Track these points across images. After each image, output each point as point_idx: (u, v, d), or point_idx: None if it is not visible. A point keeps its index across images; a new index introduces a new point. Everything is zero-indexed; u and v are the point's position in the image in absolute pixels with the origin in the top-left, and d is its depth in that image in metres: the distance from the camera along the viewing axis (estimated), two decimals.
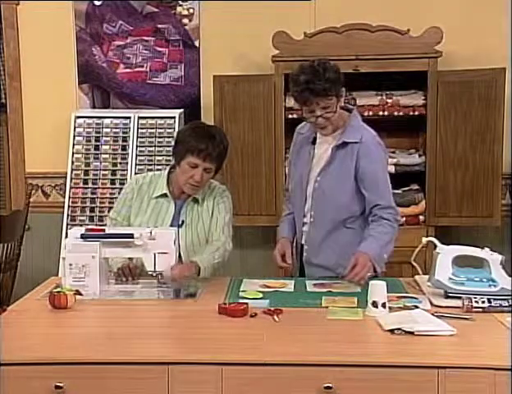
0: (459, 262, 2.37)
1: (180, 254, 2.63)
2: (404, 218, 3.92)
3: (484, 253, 2.35)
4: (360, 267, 2.44)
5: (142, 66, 4.36)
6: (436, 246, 2.40)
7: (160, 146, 4.11)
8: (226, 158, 2.71)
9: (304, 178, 2.70)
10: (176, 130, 2.70)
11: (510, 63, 4.00)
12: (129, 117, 4.19)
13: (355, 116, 2.71)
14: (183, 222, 2.69)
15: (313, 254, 2.70)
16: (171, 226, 2.67)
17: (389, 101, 3.91)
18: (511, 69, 3.96)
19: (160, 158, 4.10)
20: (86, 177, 4.17)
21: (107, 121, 4.20)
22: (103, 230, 2.54)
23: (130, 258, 2.60)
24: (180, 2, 4.29)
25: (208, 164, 2.60)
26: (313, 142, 2.71)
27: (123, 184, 3.75)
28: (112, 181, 4.12)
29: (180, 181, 2.66)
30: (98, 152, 4.17)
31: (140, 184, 2.75)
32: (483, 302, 2.21)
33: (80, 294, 2.36)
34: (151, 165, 4.09)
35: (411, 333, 2.01)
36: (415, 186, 4.01)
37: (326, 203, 2.65)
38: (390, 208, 2.61)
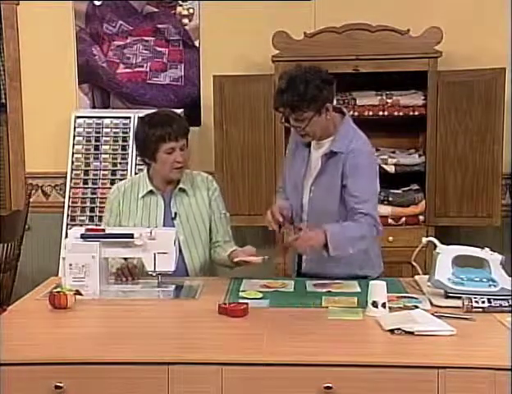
0: (459, 262, 2.37)
1: (180, 246, 2.65)
2: (404, 218, 3.93)
3: (484, 253, 2.35)
4: (307, 236, 2.41)
5: (142, 66, 4.36)
6: (436, 246, 2.40)
7: None
8: (189, 129, 2.76)
9: (298, 186, 2.65)
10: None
11: (510, 63, 4.00)
12: (129, 117, 4.19)
13: (347, 122, 2.61)
14: (176, 213, 2.72)
15: (312, 262, 2.66)
16: (165, 219, 2.69)
17: (389, 101, 3.91)
18: (511, 69, 3.96)
19: None
20: (86, 177, 4.17)
21: (107, 121, 4.20)
22: (103, 230, 2.54)
23: (125, 259, 2.61)
24: (180, 2, 4.29)
25: (181, 142, 2.66)
26: (308, 145, 2.65)
27: None
28: (112, 181, 4.11)
29: (163, 172, 2.70)
30: (98, 152, 4.17)
31: (123, 190, 2.79)
32: (483, 302, 2.20)
33: (80, 294, 2.36)
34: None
35: (411, 333, 2.01)
36: (415, 186, 4.01)
37: (320, 212, 2.59)
38: (368, 215, 2.50)
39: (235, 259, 2.60)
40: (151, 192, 2.74)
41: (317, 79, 2.45)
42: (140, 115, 4.19)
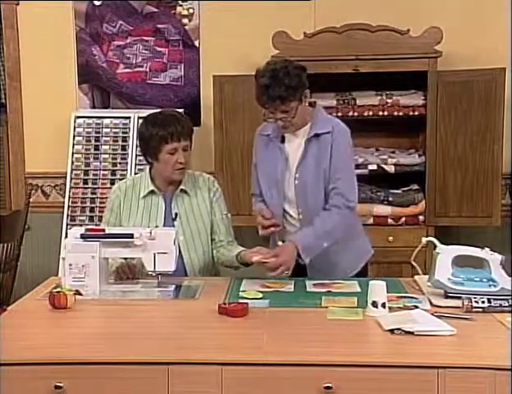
0: (459, 262, 2.37)
1: (179, 247, 2.65)
2: (404, 218, 3.93)
3: (484, 253, 2.35)
4: (281, 259, 2.49)
5: (142, 66, 4.36)
6: (435, 246, 2.40)
7: None
8: (193, 130, 2.78)
9: (279, 178, 2.68)
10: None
11: (510, 63, 4.00)
12: (129, 117, 4.19)
13: (320, 110, 2.72)
14: (176, 214, 2.71)
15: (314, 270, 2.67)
16: (165, 220, 2.69)
17: (389, 101, 3.91)
18: (511, 69, 3.96)
19: None
20: (86, 177, 4.17)
21: (106, 121, 4.20)
22: (103, 230, 2.54)
23: (125, 258, 2.61)
24: (180, 2, 4.30)
25: (184, 143, 2.67)
26: (282, 141, 2.69)
27: None
28: (112, 181, 4.11)
29: (165, 173, 2.70)
30: (97, 152, 4.18)
31: (124, 189, 2.78)
32: (483, 302, 2.20)
33: (80, 294, 2.36)
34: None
35: (411, 333, 2.01)
36: (415, 186, 4.01)
37: (310, 196, 2.65)
38: (343, 195, 2.61)
39: (254, 259, 2.55)
40: (152, 192, 2.74)
41: (294, 68, 2.55)
42: (141, 115, 4.21)
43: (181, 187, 2.75)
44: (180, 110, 4.14)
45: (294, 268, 2.62)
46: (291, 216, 2.72)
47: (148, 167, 2.80)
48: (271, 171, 2.71)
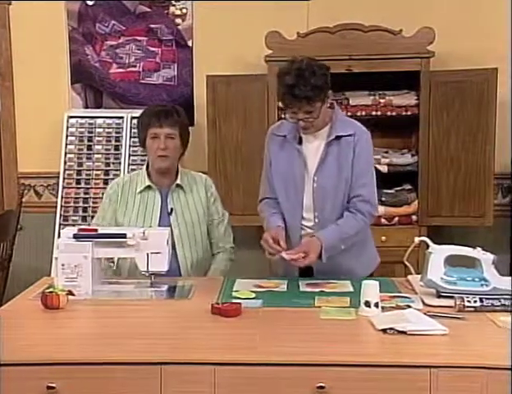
0: (452, 261, 2.38)
1: (173, 242, 2.67)
2: (397, 218, 3.94)
3: (476, 252, 2.36)
4: (312, 255, 2.47)
5: (135, 66, 4.35)
6: (428, 246, 2.41)
7: None
8: (187, 125, 2.82)
9: (297, 180, 2.62)
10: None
11: (510, 63, 4.02)
12: (122, 117, 4.18)
13: (339, 111, 2.70)
14: (172, 209, 2.73)
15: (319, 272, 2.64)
16: (161, 215, 2.71)
17: (382, 101, 3.92)
18: (511, 69, 3.98)
19: None
20: (79, 177, 4.16)
21: (99, 120, 4.19)
22: (96, 230, 2.54)
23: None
24: (173, 2, 4.29)
25: (167, 129, 2.71)
26: (299, 142, 2.64)
27: None
28: (105, 181, 4.10)
29: (151, 160, 2.76)
30: (90, 152, 4.16)
31: (122, 184, 2.83)
32: (475, 301, 2.21)
33: (73, 294, 2.35)
34: (144, 165, 4.08)
35: (403, 333, 2.01)
36: (408, 186, 4.01)
37: (328, 200, 2.60)
38: (369, 202, 2.60)
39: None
40: (149, 187, 2.78)
41: (319, 67, 2.50)
42: (134, 115, 4.23)
43: (177, 182, 2.79)
44: None
45: (301, 270, 2.62)
46: (305, 218, 2.65)
47: (145, 165, 2.85)
48: (287, 172, 2.64)
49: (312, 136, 2.63)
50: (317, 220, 2.63)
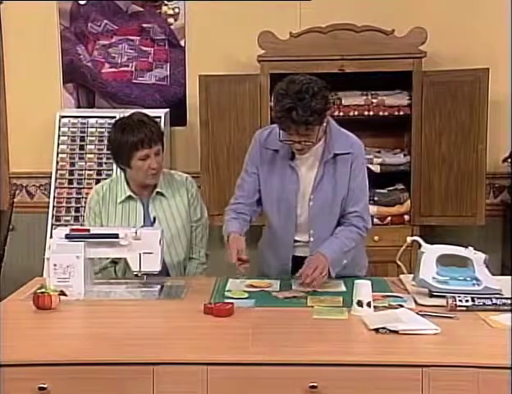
0: (444, 261, 2.39)
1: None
2: (390, 218, 3.95)
3: (468, 252, 2.37)
4: (319, 271, 2.40)
5: (127, 66, 4.34)
6: (420, 245, 2.41)
7: None
8: (163, 133, 2.73)
9: (290, 197, 2.54)
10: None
11: (510, 63, 4.03)
12: (114, 117, 4.11)
13: (333, 124, 2.56)
14: (155, 218, 2.70)
15: None
16: (144, 224, 2.68)
17: (374, 101, 3.92)
18: (511, 69, 3.99)
19: None
20: (71, 177, 4.14)
21: (92, 120, 4.17)
22: (88, 230, 2.53)
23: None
24: (166, 2, 4.28)
25: (155, 147, 2.62)
26: (292, 157, 2.53)
27: None
28: (98, 181, 4.08)
29: (139, 178, 2.67)
30: (83, 152, 4.15)
31: (102, 194, 2.75)
32: (467, 301, 2.22)
33: (65, 294, 2.34)
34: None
35: (396, 332, 2.02)
36: (400, 186, 4.02)
37: (325, 217, 2.55)
38: (363, 217, 2.56)
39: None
40: (130, 197, 2.72)
41: (320, 88, 2.37)
42: (126, 114, 4.19)
43: (157, 190, 2.72)
44: (166, 110, 4.18)
45: (293, 270, 2.58)
46: (299, 234, 2.59)
47: (122, 173, 2.75)
48: (279, 188, 2.55)
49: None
50: (312, 238, 2.58)
